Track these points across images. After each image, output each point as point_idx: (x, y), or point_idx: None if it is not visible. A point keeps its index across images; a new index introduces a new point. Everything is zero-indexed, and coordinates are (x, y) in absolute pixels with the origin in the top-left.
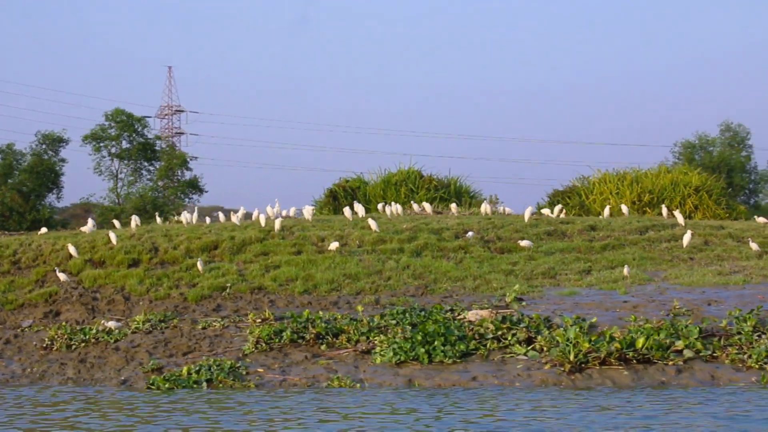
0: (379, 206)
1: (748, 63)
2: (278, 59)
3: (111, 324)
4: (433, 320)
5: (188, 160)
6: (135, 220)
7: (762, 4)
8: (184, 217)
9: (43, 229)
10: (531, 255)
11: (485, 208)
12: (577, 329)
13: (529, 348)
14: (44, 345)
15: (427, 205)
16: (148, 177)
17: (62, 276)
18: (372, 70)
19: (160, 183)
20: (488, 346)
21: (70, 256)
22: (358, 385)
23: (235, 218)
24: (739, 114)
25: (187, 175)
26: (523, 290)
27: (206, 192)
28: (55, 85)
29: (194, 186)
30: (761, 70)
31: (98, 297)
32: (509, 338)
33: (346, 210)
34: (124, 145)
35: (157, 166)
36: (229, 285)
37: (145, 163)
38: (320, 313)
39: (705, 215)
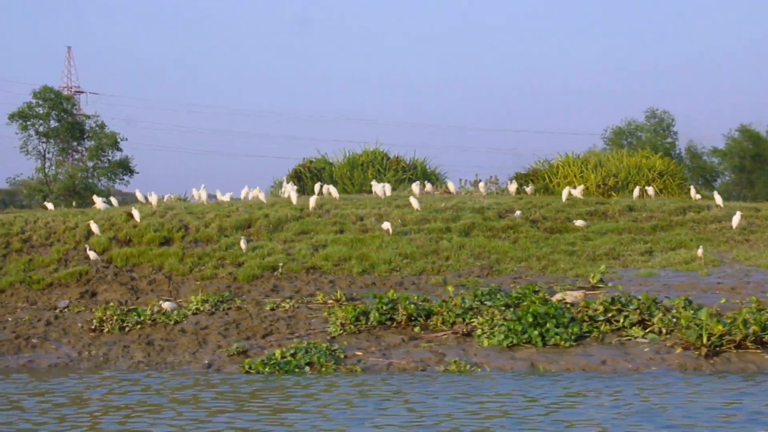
0: (380, 185)
1: (673, 51)
2: (204, 48)
3: (166, 305)
4: (530, 301)
5: (119, 140)
6: (98, 201)
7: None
8: (201, 193)
9: (49, 206)
10: (586, 235)
11: (512, 187)
12: (707, 311)
13: (647, 330)
14: (92, 327)
15: (451, 184)
16: (77, 157)
17: (92, 254)
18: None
19: (89, 163)
20: (601, 328)
21: (89, 234)
22: (479, 369)
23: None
24: (663, 102)
25: (117, 155)
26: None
27: (137, 173)
28: None
29: (125, 167)
30: (685, 58)
31: (136, 277)
32: (621, 320)
33: (378, 187)
34: (53, 124)
35: (87, 146)
36: (280, 264)
37: (74, 143)
38: (403, 294)
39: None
